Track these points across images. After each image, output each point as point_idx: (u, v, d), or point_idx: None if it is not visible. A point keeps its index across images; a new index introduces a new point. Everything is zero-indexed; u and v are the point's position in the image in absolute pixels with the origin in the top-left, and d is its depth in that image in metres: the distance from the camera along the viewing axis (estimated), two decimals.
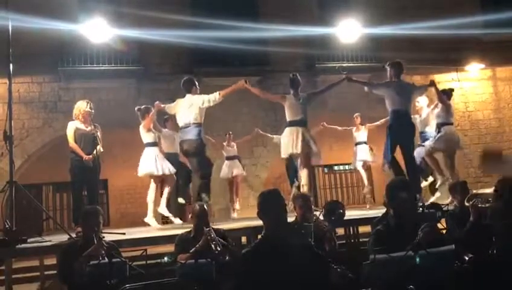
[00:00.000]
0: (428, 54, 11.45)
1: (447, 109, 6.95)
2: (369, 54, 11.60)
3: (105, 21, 9.39)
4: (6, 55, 5.35)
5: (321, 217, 4.23)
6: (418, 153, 7.36)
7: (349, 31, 10.68)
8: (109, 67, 10.37)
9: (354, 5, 11.72)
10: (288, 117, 6.39)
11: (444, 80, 12.42)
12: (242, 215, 9.21)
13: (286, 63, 11.37)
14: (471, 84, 12.74)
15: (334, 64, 11.15)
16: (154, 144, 6.68)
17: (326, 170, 14.26)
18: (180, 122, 6.19)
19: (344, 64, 11.14)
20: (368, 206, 8.57)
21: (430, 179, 7.28)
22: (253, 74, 10.98)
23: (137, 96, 10.59)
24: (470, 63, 12.39)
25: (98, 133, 5.77)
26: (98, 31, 9.46)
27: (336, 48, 11.34)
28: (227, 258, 3.80)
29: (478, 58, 12.33)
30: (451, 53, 11.92)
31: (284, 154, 6.48)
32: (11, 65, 5.36)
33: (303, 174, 6.49)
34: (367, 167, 8.93)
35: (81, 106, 5.86)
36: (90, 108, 5.84)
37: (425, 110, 7.53)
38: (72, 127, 5.79)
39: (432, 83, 6.64)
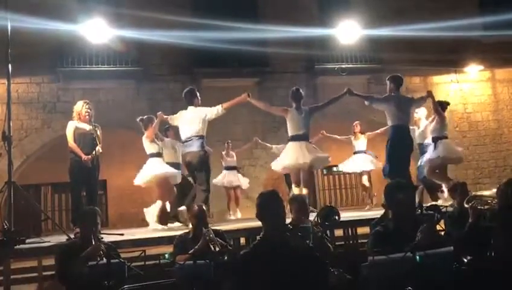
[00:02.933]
0: (428, 55, 11.47)
1: (441, 122, 6.94)
2: (368, 55, 11.60)
3: (105, 21, 9.40)
4: (5, 55, 5.35)
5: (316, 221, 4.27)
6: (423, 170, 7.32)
7: (348, 32, 10.70)
8: (108, 68, 10.34)
9: (354, 6, 11.73)
10: (291, 131, 6.36)
11: (443, 81, 12.46)
12: (241, 216, 9.23)
13: (285, 64, 11.38)
14: (470, 86, 12.75)
15: (334, 66, 11.19)
16: (158, 154, 6.63)
17: (325, 171, 14.25)
18: (183, 135, 6.13)
19: (343, 66, 11.17)
20: (367, 207, 8.57)
21: (440, 202, 7.15)
22: (252, 75, 11.01)
23: (137, 97, 10.60)
24: (468, 65, 12.41)
25: (98, 133, 5.77)
26: (97, 31, 9.46)
27: (335, 49, 11.34)
28: (225, 258, 3.80)
29: (477, 60, 12.35)
30: (450, 54, 11.92)
31: (280, 166, 6.46)
32: (9, 65, 5.37)
33: (302, 192, 6.31)
34: (368, 174, 8.91)
35: (78, 107, 5.86)
36: (88, 108, 5.83)
37: (423, 122, 7.54)
38: (71, 127, 5.79)
39: (430, 94, 6.65)
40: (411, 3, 11.95)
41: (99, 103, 9.54)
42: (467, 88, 12.71)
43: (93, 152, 5.68)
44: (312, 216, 4.69)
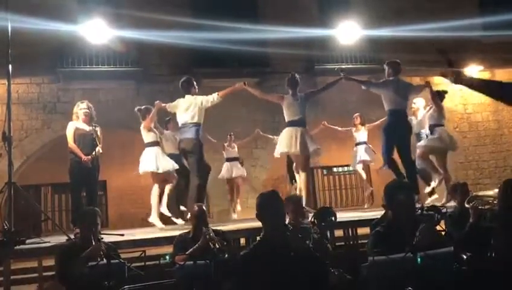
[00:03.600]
0: (427, 55, 11.42)
1: (439, 110, 6.98)
2: (368, 56, 11.59)
3: (105, 22, 9.40)
4: (5, 55, 5.36)
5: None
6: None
7: (348, 32, 10.70)
8: (108, 68, 10.35)
9: (354, 6, 11.73)
10: (287, 117, 6.43)
11: (443, 81, 12.43)
12: (241, 217, 9.22)
13: (285, 64, 11.36)
14: None
15: (334, 66, 11.14)
16: (155, 143, 6.66)
17: (325, 171, 14.26)
18: (180, 122, 6.26)
19: (343, 66, 11.14)
20: (366, 206, 8.57)
21: (433, 184, 7.19)
22: (252, 76, 10.97)
23: (136, 97, 10.58)
24: (468, 65, 12.37)
25: (98, 134, 5.78)
26: (97, 32, 9.47)
27: (335, 50, 11.34)
28: (226, 256, 3.80)
29: (477, 60, 12.32)
30: (450, 55, 11.89)
31: (278, 152, 6.53)
32: (10, 66, 5.37)
33: (300, 178, 6.50)
34: (367, 168, 8.92)
35: (78, 107, 5.87)
36: (87, 108, 5.84)
37: (421, 112, 7.54)
38: (71, 127, 5.80)
39: (428, 84, 6.67)
40: (411, 4, 11.94)
41: (99, 103, 9.52)
42: (466, 88, 12.68)
43: (93, 153, 5.69)
44: (310, 217, 4.70)
